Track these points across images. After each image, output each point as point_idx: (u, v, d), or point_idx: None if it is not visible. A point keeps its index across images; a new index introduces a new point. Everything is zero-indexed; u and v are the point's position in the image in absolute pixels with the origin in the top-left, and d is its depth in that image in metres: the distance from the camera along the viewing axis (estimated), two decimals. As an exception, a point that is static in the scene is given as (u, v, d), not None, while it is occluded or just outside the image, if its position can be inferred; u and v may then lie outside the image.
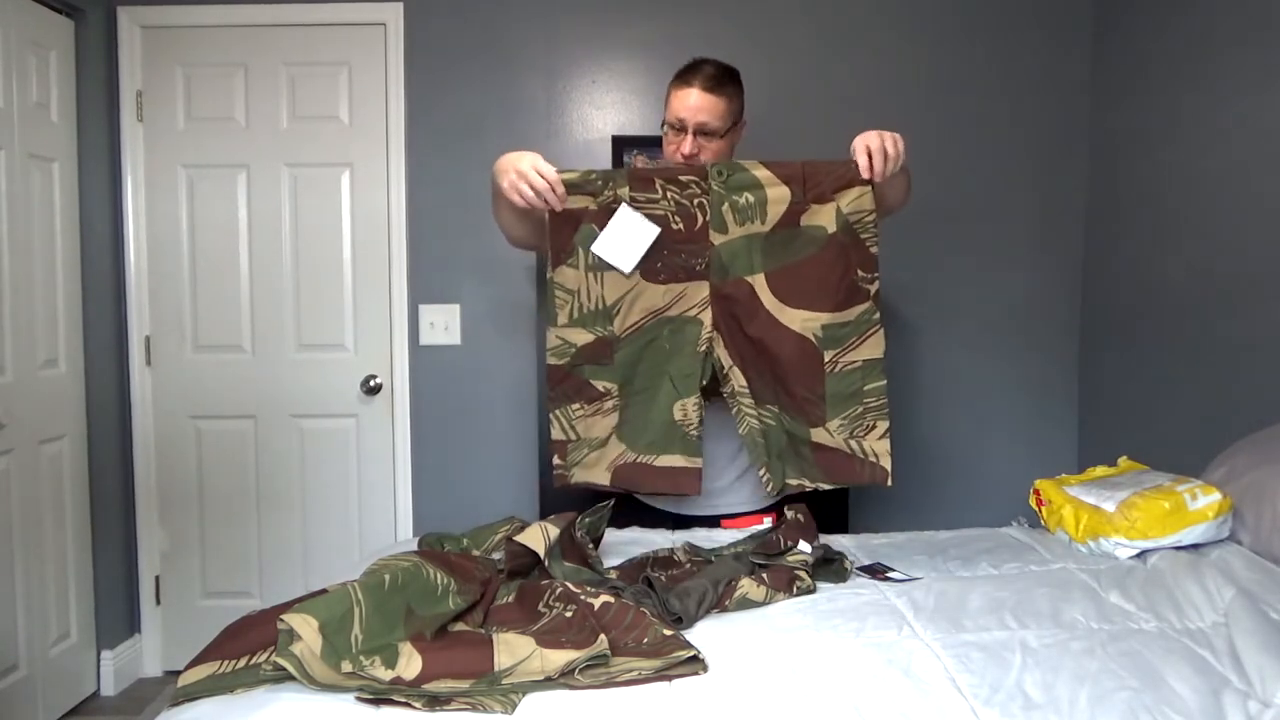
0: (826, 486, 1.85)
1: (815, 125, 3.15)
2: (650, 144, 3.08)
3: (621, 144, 3.12)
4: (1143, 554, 1.71)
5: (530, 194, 1.75)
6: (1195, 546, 1.70)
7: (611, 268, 1.81)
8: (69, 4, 2.94)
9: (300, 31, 3.16)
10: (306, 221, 3.21)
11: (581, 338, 1.84)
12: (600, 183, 1.80)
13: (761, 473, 1.83)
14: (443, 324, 3.21)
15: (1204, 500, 1.70)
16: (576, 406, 1.86)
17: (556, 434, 1.87)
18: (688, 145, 1.90)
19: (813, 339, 1.80)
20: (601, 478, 1.87)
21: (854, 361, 1.80)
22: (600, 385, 1.85)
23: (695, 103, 1.90)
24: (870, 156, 1.71)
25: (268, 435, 3.24)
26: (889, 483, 1.82)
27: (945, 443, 3.24)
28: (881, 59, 3.16)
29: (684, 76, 1.94)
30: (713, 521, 2.00)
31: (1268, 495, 1.70)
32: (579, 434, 1.86)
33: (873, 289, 1.80)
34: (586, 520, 1.71)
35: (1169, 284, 2.73)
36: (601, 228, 1.80)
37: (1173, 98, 2.72)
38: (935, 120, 3.16)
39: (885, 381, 1.81)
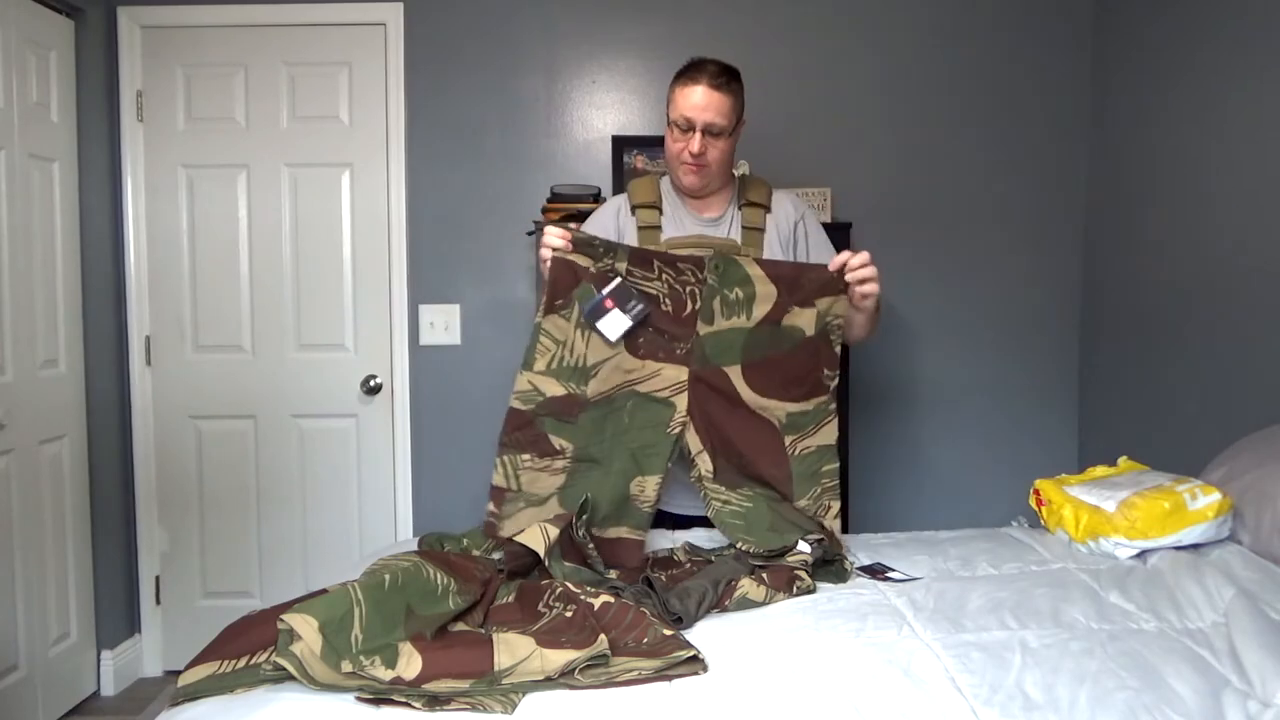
0: (814, 538, 1.74)
1: (815, 126, 3.16)
2: (650, 144, 3.09)
3: (621, 144, 3.12)
4: (1143, 554, 1.71)
5: (555, 243, 1.83)
6: (1195, 546, 1.70)
7: (599, 332, 1.82)
8: (69, 4, 2.94)
9: (300, 31, 3.16)
10: (306, 221, 3.20)
11: (553, 389, 1.83)
12: (601, 249, 1.84)
13: (741, 545, 1.74)
14: (443, 324, 3.21)
15: (1204, 500, 1.71)
16: (527, 458, 1.83)
17: (497, 480, 1.84)
18: (695, 144, 1.92)
19: (776, 424, 1.87)
20: (533, 539, 1.65)
21: (809, 447, 1.89)
22: (557, 443, 1.83)
23: (702, 101, 1.91)
24: (846, 264, 1.81)
25: (268, 435, 3.24)
26: (843, 551, 1.77)
27: (945, 442, 3.24)
28: (882, 59, 3.16)
29: (688, 75, 1.94)
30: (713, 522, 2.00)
31: (1268, 495, 1.70)
32: (520, 486, 1.83)
33: (832, 384, 1.89)
34: (585, 518, 1.71)
35: (1169, 284, 2.73)
36: (599, 290, 1.82)
37: (1173, 97, 2.72)
38: (935, 119, 3.17)
39: (838, 464, 1.90)
